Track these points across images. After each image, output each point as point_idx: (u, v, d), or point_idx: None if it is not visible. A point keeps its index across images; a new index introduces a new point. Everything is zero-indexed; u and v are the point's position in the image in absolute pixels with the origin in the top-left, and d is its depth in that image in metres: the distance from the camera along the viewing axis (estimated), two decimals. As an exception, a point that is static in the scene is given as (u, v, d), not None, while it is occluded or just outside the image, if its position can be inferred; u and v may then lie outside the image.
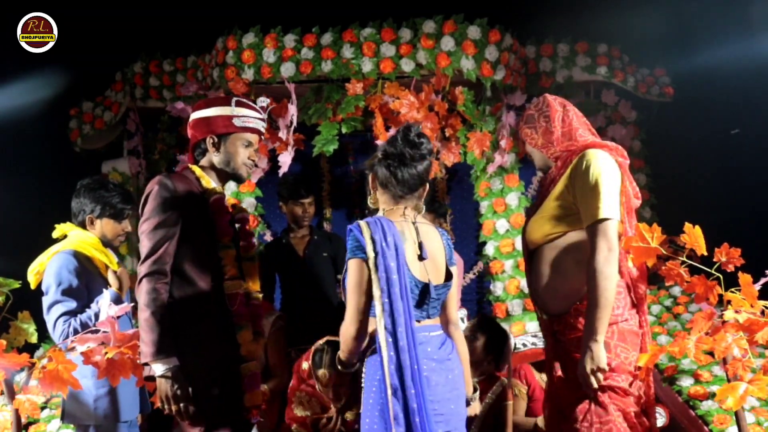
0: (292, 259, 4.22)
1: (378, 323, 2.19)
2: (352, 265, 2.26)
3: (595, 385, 2.44)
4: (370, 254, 2.22)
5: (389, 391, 2.17)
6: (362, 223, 2.28)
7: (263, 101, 2.76)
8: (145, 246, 2.46)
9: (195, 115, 2.68)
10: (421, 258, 2.31)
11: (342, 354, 2.30)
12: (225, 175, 2.66)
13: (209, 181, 2.62)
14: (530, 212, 2.78)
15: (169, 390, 2.37)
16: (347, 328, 2.26)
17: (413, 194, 2.38)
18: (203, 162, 2.68)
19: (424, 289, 2.31)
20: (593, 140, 2.64)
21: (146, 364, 2.42)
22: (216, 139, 2.63)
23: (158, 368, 2.38)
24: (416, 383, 2.16)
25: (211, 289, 2.52)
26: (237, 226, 2.69)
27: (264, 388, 3.49)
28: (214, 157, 2.65)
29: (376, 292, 2.20)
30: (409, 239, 2.32)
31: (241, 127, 2.63)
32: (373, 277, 2.21)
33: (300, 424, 3.47)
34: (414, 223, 2.37)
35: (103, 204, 3.11)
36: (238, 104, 2.65)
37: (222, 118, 2.62)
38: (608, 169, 2.51)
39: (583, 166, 2.52)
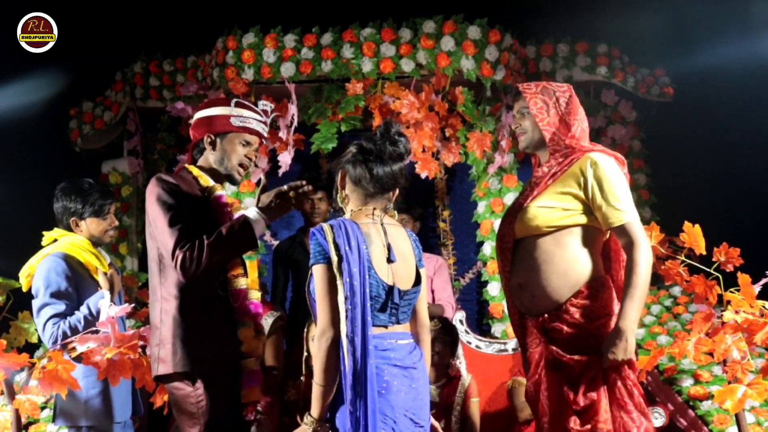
0: (304, 257, 4.20)
1: (341, 330, 2.14)
2: (317, 271, 2.19)
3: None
4: (334, 259, 2.17)
5: (347, 399, 2.11)
6: (326, 226, 2.21)
7: (266, 105, 2.76)
8: (171, 239, 2.42)
9: (197, 115, 2.70)
10: (389, 261, 2.25)
11: (318, 366, 2.16)
12: (219, 175, 2.66)
13: (207, 180, 2.63)
14: (521, 200, 2.75)
15: None
16: (324, 334, 2.16)
17: (384, 195, 2.31)
18: (201, 162, 2.69)
19: (390, 293, 2.23)
20: (600, 147, 2.69)
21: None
22: (213, 138, 2.64)
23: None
24: (371, 391, 2.10)
25: (215, 286, 2.52)
26: None
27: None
28: (210, 156, 2.66)
29: (340, 297, 2.15)
30: (377, 241, 2.25)
31: (239, 126, 2.64)
32: (338, 282, 2.15)
33: None
34: (382, 225, 2.29)
35: (82, 204, 3.09)
36: (238, 105, 2.66)
37: (220, 117, 2.64)
38: (621, 175, 2.59)
39: (599, 170, 2.56)
